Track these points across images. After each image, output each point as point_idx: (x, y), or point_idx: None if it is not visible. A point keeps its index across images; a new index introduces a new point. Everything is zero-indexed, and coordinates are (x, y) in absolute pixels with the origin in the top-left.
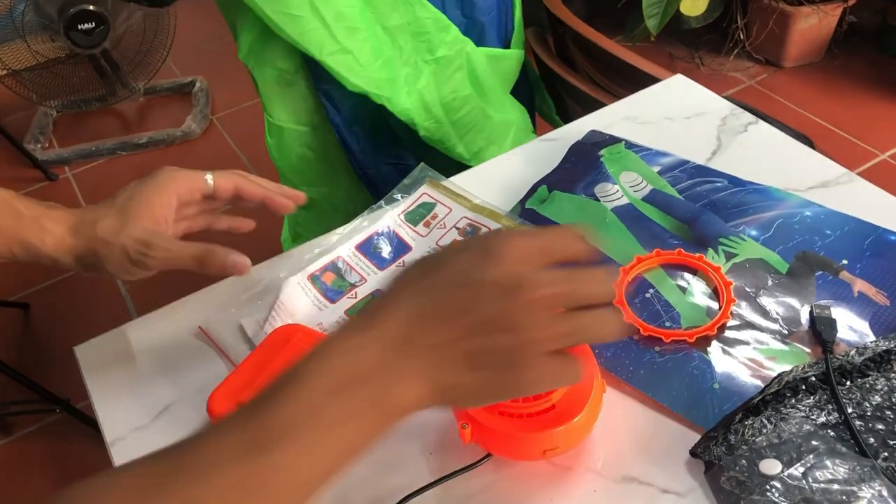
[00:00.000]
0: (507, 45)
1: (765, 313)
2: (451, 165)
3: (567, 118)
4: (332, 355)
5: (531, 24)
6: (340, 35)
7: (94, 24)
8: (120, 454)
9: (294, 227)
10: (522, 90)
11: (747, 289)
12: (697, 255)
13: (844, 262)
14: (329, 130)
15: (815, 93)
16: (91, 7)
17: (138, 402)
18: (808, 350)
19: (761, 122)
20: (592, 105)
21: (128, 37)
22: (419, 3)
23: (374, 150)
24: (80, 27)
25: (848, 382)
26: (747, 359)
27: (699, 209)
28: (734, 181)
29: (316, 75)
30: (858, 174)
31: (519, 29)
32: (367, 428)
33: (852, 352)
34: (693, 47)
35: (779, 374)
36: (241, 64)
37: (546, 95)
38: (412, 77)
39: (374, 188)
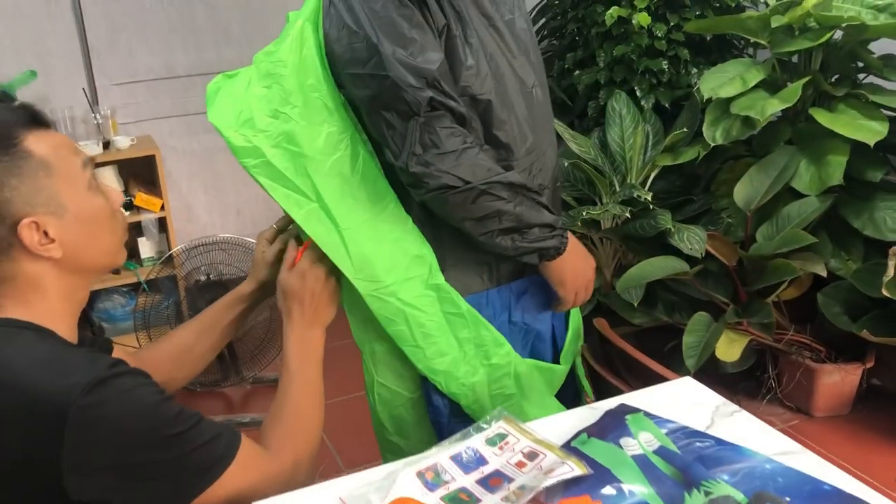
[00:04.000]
0: (556, 358)
1: None
2: None
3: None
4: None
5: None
6: (419, 337)
7: None
8: None
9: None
10: (569, 391)
11: None
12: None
13: (787, 499)
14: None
15: (842, 442)
16: None
17: None
18: None
19: (744, 411)
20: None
21: (252, 332)
22: (484, 326)
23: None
24: None
25: None
26: None
27: (690, 462)
28: (718, 441)
29: None
30: None
31: (570, 346)
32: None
33: None
34: (731, 390)
35: None
36: (336, 346)
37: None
38: (469, 373)
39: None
